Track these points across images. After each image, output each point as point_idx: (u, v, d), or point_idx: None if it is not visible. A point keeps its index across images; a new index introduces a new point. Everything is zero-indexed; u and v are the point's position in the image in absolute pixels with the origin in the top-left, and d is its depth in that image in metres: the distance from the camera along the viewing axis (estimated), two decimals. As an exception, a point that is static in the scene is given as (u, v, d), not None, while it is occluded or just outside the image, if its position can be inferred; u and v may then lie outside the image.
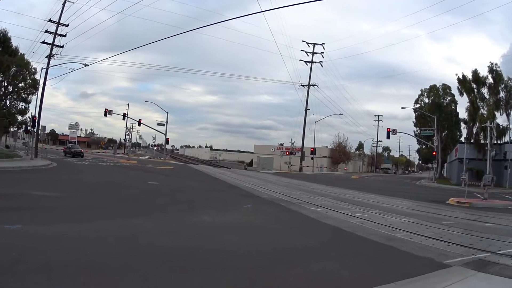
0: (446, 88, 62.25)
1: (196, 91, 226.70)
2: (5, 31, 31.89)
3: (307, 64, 60.47)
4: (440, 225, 11.18)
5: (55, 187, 16.28)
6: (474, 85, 46.10)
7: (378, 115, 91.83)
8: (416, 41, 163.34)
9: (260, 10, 16.05)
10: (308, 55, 60.10)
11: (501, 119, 45.30)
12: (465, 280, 5.25)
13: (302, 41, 60.10)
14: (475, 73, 45.75)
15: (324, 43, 60.01)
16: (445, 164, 65.13)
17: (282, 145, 77.37)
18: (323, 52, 60.27)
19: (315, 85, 60.93)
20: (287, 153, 65.02)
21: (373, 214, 13.18)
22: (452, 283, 5.09)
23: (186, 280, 5.32)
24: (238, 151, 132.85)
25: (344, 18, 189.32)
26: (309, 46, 59.89)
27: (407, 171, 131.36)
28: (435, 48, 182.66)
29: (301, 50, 60.03)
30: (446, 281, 5.19)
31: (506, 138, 44.82)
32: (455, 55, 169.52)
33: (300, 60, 60.70)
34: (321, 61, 60.56)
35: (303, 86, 60.80)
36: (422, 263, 6.64)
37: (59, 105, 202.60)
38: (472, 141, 46.23)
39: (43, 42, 37.16)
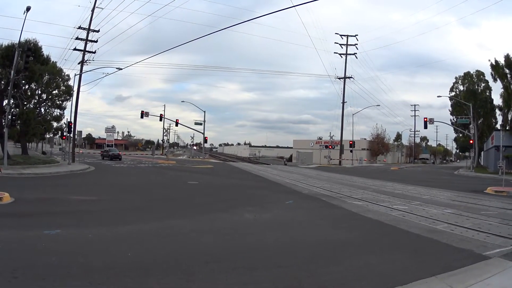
0: (480, 74, 59.27)
1: (232, 89, 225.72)
2: (36, 41, 31.09)
3: (341, 57, 59.17)
4: (479, 215, 10.95)
5: (93, 191, 16.05)
6: (507, 70, 43.92)
7: (415, 105, 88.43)
8: (448, 28, 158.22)
9: (292, 5, 16.15)
10: (342, 48, 58.61)
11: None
12: (504, 272, 5.29)
13: (335, 33, 58.89)
14: (507, 58, 43.55)
15: (357, 35, 58.53)
16: (482, 152, 62.41)
17: (320, 139, 76.29)
18: (356, 44, 58.70)
19: (351, 77, 59.56)
20: (330, 146, 64.25)
21: (414, 206, 12.96)
22: (492, 275, 5.16)
23: (228, 280, 5.16)
24: (277, 146, 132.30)
25: (374, 8, 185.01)
26: (342, 38, 58.44)
27: (445, 161, 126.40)
28: (466, 35, 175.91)
29: (335, 43, 58.69)
30: (486, 273, 5.25)
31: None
32: (486, 41, 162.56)
33: (334, 52, 59.24)
34: (356, 53, 59.11)
35: (339, 79, 59.54)
36: (462, 256, 6.56)
37: (94, 110, 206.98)
38: (507, 128, 44.04)
39: (75, 49, 36.74)
